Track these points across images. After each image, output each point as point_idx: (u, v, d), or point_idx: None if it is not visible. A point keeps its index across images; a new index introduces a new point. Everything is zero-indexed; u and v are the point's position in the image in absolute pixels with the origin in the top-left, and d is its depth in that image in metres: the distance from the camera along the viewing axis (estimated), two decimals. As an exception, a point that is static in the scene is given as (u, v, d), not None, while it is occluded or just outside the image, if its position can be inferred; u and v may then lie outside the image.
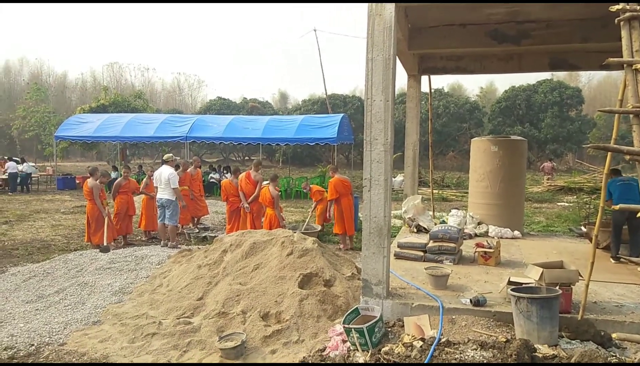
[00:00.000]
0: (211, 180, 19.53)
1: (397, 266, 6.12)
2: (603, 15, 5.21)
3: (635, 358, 3.90)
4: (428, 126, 9.43)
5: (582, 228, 8.94)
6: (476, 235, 8.22)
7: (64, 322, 5.53)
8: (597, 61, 7.50)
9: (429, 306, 4.75)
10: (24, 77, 54.12)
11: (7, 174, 19.62)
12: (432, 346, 3.90)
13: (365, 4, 4.79)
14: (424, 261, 6.42)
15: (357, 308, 4.69)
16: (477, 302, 4.68)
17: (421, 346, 3.96)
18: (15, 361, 4.72)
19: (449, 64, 8.69)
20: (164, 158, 9.99)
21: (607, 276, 5.80)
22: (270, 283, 5.65)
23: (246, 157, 40.85)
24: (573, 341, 4.16)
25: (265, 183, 10.08)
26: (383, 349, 4.05)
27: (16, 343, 5.03)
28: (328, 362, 4.17)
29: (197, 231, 10.88)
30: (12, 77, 55.68)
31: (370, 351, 4.12)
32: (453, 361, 3.70)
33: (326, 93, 33.80)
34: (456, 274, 5.76)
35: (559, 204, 16.76)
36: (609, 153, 4.39)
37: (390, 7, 4.70)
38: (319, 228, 10.35)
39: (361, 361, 4.04)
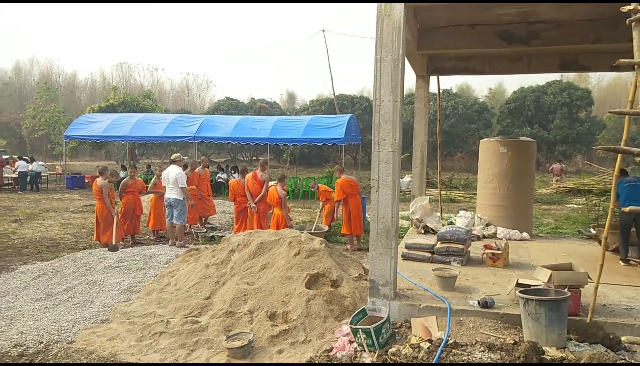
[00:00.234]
0: (219, 180, 19.59)
1: (404, 267, 6.11)
2: (614, 15, 5.17)
3: (645, 362, 3.87)
4: (436, 126, 9.40)
5: (592, 230, 8.88)
6: (484, 236, 8.19)
7: (73, 320, 5.57)
8: (608, 62, 7.43)
9: (437, 308, 4.73)
10: (34, 77, 54.65)
11: (17, 173, 19.80)
12: (440, 348, 3.89)
13: (374, 5, 4.78)
14: (432, 262, 6.41)
15: (364, 308, 4.69)
16: (485, 304, 4.66)
17: (428, 348, 3.95)
18: (24, 358, 4.76)
19: (458, 64, 8.67)
20: (171, 158, 10.04)
21: (616, 279, 5.75)
22: (277, 283, 5.66)
23: (254, 158, 40.93)
24: (582, 344, 4.13)
25: (272, 183, 10.10)
26: (390, 350, 4.05)
27: (25, 341, 5.07)
28: (335, 362, 4.17)
29: (205, 230, 10.92)
30: (23, 77, 56.22)
31: (377, 352, 4.12)
32: (460, 363, 3.69)
33: (334, 93, 33.81)
34: (464, 275, 5.73)
35: (567, 206, 16.65)
36: (619, 155, 4.35)
37: (400, 7, 4.69)
38: (327, 228, 10.35)
39: (368, 361, 4.04)
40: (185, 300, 5.83)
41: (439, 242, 6.57)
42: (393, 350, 4.04)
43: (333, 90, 33.57)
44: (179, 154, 10.18)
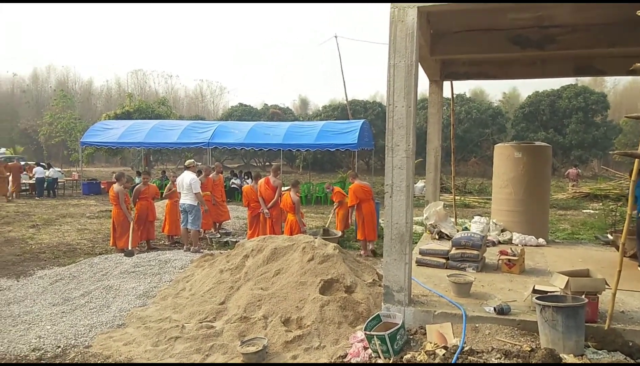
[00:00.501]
0: (232, 186, 19.69)
1: (418, 273, 6.07)
2: (630, 19, 5.12)
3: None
4: (450, 131, 9.36)
5: (609, 235, 8.75)
6: (500, 242, 8.11)
7: (90, 325, 5.64)
8: (624, 66, 7.31)
9: (452, 314, 4.70)
10: (51, 85, 55.54)
11: (34, 179, 20.11)
12: (455, 355, 3.86)
13: (388, 9, 4.79)
14: (447, 268, 6.36)
15: (378, 314, 4.67)
16: (501, 310, 4.62)
17: (444, 355, 3.93)
18: (42, 362, 4.82)
19: (472, 69, 8.63)
20: (185, 164, 10.13)
21: (634, 285, 5.66)
22: (291, 288, 5.67)
23: (266, 163, 41.08)
24: (600, 351, 4.07)
25: (285, 188, 10.13)
26: (405, 356, 4.03)
27: (43, 345, 5.15)
28: (349, 369, 4.16)
29: (219, 236, 10.98)
30: (40, 84, 57.19)
31: (392, 358, 4.10)
32: (476, 370, 3.66)
33: (347, 99, 33.84)
34: (479, 282, 5.69)
35: (584, 211, 16.45)
36: (636, 160, 4.30)
37: (413, 13, 4.70)
38: (340, 233, 10.35)
39: (383, 368, 4.02)
40: (200, 305, 5.86)
41: (453, 248, 6.53)
42: (408, 356, 4.02)
43: (346, 95, 33.60)
44: (192, 160, 10.27)
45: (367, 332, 4.33)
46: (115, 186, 9.44)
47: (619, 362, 3.73)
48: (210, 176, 11.36)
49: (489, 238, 7.89)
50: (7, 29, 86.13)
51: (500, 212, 8.78)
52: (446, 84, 9.04)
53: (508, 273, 6.21)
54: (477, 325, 4.53)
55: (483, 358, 3.81)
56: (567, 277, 4.56)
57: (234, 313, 5.49)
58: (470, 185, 23.20)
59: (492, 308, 4.70)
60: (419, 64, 5.67)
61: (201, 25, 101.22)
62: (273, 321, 5.21)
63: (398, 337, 4.25)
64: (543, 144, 9.16)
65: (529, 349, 3.83)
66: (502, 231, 8.42)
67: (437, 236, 8.21)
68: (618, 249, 4.61)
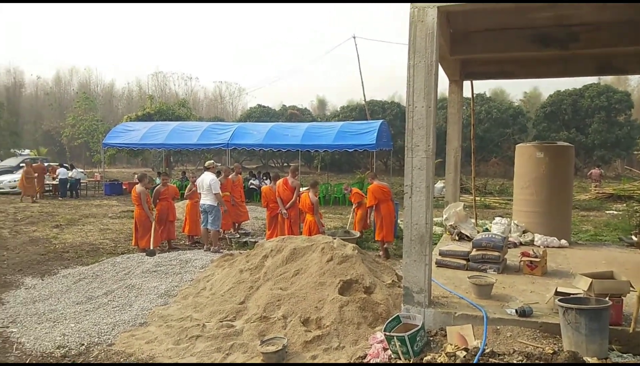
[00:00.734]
0: (251, 186, 19.80)
1: (438, 275, 6.03)
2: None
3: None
4: (469, 131, 9.28)
5: (633, 237, 8.59)
6: (521, 244, 8.01)
7: (112, 323, 5.73)
8: (648, 65, 7.22)
9: (473, 316, 4.66)
10: (73, 87, 56.61)
11: (58, 179, 20.51)
12: (476, 357, 3.83)
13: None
14: (467, 269, 6.31)
15: (398, 315, 4.65)
16: (523, 312, 4.56)
17: (464, 356, 3.90)
18: (67, 359, 4.92)
19: (492, 68, 8.54)
20: (205, 165, 10.23)
21: (661, 288, 5.54)
22: (310, 288, 5.69)
23: (284, 164, 41.22)
24: (625, 355, 4.00)
25: (304, 189, 10.16)
26: (425, 358, 4.01)
27: (68, 342, 5.25)
28: (369, 369, 4.16)
29: (238, 236, 11.06)
30: (63, 87, 58.31)
31: (412, 359, 4.09)
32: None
33: (365, 99, 33.76)
34: (500, 283, 5.63)
35: (607, 212, 16.15)
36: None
37: (433, 12, 4.68)
38: (358, 234, 10.34)
39: (403, 369, 4.01)
40: (221, 304, 5.92)
41: (474, 249, 6.47)
42: (428, 358, 4.00)
43: (364, 96, 33.54)
44: (212, 161, 10.37)
45: (387, 333, 4.32)
46: (138, 187, 9.59)
47: (644, 366, 3.66)
48: (230, 176, 11.45)
49: (510, 239, 7.80)
50: (30, 32, 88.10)
51: (521, 213, 8.68)
52: (466, 84, 8.97)
53: (530, 275, 6.14)
54: (498, 327, 4.48)
55: (504, 360, 3.78)
56: (591, 279, 4.49)
57: (254, 312, 5.53)
58: (491, 186, 22.95)
59: (514, 310, 4.65)
60: (439, 63, 5.63)
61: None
62: (292, 321, 5.24)
63: (418, 338, 4.23)
64: (565, 144, 9.03)
65: (552, 352, 3.78)
66: (524, 232, 8.32)
67: (457, 238, 8.15)
68: (643, 251, 4.53)
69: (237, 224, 11.84)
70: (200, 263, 8.11)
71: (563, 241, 8.07)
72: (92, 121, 35.73)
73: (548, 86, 76.88)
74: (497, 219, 8.59)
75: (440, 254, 6.71)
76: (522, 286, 5.66)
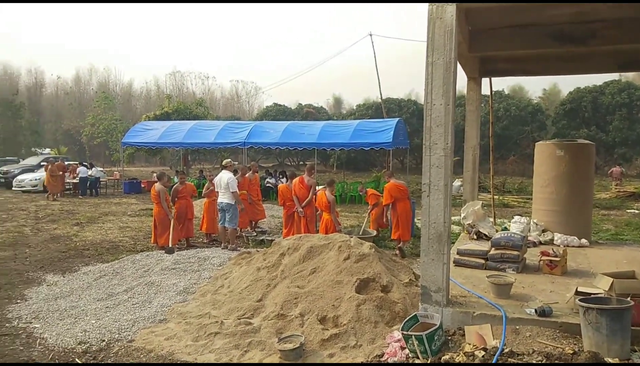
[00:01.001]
0: (267, 185, 19.87)
1: (456, 274, 6.00)
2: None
3: None
4: (488, 129, 9.19)
5: (656, 236, 8.42)
6: (540, 243, 7.92)
7: (132, 320, 5.81)
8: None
9: (491, 316, 4.62)
10: (92, 87, 57.45)
11: (78, 178, 20.85)
12: (495, 357, 3.80)
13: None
14: (485, 269, 6.26)
15: (415, 314, 4.64)
16: (543, 312, 4.52)
17: (483, 356, 3.87)
18: (88, 355, 5.00)
19: (511, 66, 8.45)
20: (222, 163, 10.30)
21: (685, 289, 5.43)
22: (327, 287, 5.70)
23: (301, 162, 41.31)
24: (647, 357, 3.93)
25: (320, 187, 10.16)
26: (443, 357, 3.99)
27: (89, 338, 5.33)
28: (387, 368, 4.15)
29: (255, 234, 11.12)
30: (82, 87, 59.27)
31: (429, 359, 4.07)
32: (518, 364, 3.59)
33: (381, 97, 33.65)
34: (520, 283, 5.57)
35: (628, 211, 15.87)
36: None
37: (451, 9, 4.64)
38: (375, 233, 10.31)
39: (421, 368, 4.00)
40: (239, 302, 5.96)
41: (493, 248, 6.42)
42: (446, 357, 3.98)
43: (380, 94, 33.44)
44: (229, 159, 10.44)
45: (405, 332, 4.31)
46: (157, 185, 9.69)
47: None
48: (247, 175, 11.51)
49: (529, 238, 7.71)
50: (51, 33, 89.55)
51: (541, 212, 8.57)
52: (484, 81, 8.89)
53: (549, 274, 6.07)
54: (517, 327, 4.44)
55: (524, 360, 3.74)
56: (612, 279, 4.43)
57: (271, 310, 5.56)
58: (510, 184, 22.69)
59: (533, 310, 4.60)
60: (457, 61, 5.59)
61: (237, 26, 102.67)
62: (309, 319, 5.25)
63: (436, 338, 4.22)
64: (585, 141, 8.88)
65: (572, 352, 3.74)
66: (543, 231, 8.23)
67: (475, 236, 8.08)
68: (667, 251, 4.45)
69: (254, 223, 11.90)
70: (218, 260, 8.17)
71: (583, 241, 7.96)
72: (111, 120, 36.19)
73: (567, 83, 75.89)
74: (516, 218, 8.50)
75: (458, 253, 6.67)
76: (542, 285, 5.60)
